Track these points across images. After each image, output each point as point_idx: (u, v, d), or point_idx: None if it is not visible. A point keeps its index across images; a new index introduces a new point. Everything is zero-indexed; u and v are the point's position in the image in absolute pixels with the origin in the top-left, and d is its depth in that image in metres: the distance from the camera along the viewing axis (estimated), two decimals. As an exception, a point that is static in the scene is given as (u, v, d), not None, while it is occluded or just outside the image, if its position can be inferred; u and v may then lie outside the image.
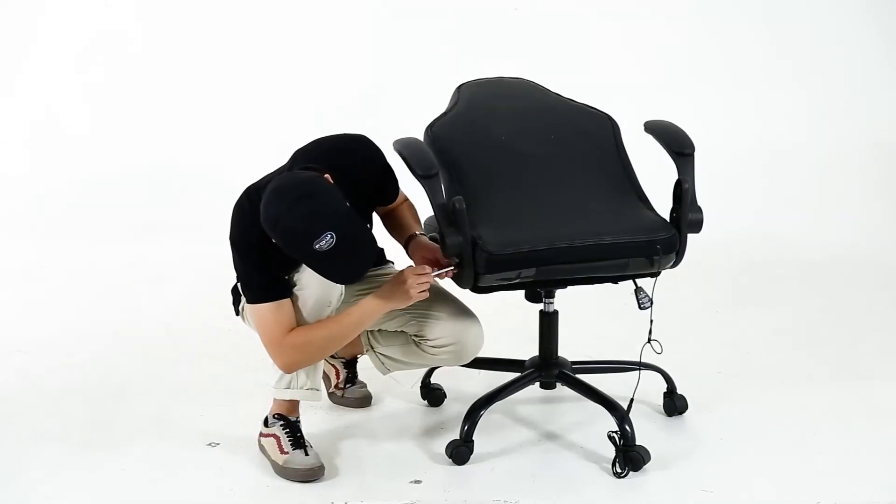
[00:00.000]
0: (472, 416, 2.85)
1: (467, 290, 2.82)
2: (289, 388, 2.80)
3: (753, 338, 3.77)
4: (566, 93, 3.18)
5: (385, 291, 2.72)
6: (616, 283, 2.91)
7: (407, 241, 2.92)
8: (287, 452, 2.78)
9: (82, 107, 5.29)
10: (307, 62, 5.29)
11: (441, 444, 2.90)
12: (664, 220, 2.85)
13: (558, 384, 3.16)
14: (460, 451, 2.84)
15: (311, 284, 2.68)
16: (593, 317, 3.87)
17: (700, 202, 2.85)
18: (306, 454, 2.77)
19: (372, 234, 2.72)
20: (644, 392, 3.01)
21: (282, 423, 2.82)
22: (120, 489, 2.76)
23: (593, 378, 3.05)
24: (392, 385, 3.27)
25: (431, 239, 2.91)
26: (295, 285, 2.71)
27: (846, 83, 5.43)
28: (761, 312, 4.03)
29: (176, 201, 5.06)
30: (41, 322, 4.01)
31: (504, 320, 3.48)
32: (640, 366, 2.97)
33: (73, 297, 4.29)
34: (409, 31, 5.30)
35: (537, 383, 3.13)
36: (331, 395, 3.25)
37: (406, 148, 2.79)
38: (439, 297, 2.87)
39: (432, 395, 3.24)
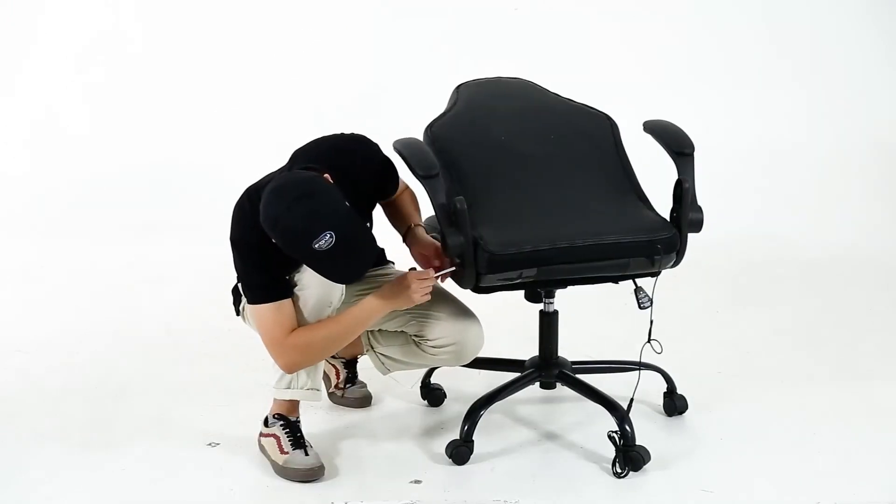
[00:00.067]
0: (472, 416, 2.85)
1: (466, 290, 2.82)
2: (289, 388, 2.80)
3: (753, 338, 3.77)
4: (566, 93, 3.18)
5: (387, 292, 2.72)
6: (616, 282, 2.91)
7: (406, 232, 2.92)
8: (287, 452, 2.78)
9: (82, 107, 5.29)
10: (307, 62, 5.29)
11: (441, 444, 2.90)
12: (664, 219, 2.85)
13: (558, 384, 3.16)
14: (460, 451, 2.84)
15: (311, 284, 2.68)
16: (593, 317, 3.87)
17: (700, 202, 2.85)
18: (306, 454, 2.77)
19: (372, 234, 2.72)
20: (644, 392, 3.01)
21: (282, 423, 2.82)
22: (120, 489, 2.76)
23: (593, 378, 3.05)
24: (392, 385, 3.27)
25: (434, 239, 2.91)
26: (296, 285, 2.71)
27: (846, 83, 5.43)
28: (761, 312, 4.03)
29: (176, 201, 5.06)
30: (41, 322, 4.01)
31: (504, 320, 3.48)
32: (640, 366, 2.97)
33: (73, 297, 4.29)
34: (409, 31, 5.30)
35: (537, 383, 3.13)
36: (331, 395, 3.25)
37: (406, 148, 2.79)
38: (439, 298, 2.87)
39: (432, 395, 3.24)
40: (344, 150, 2.79)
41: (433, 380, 3.25)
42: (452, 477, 2.79)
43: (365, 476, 2.81)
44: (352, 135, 2.85)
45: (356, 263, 2.59)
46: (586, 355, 3.28)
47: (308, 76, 5.27)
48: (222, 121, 5.23)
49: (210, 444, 2.97)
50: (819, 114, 5.38)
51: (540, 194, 2.88)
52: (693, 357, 3.53)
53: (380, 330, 2.99)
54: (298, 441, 2.79)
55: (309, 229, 2.48)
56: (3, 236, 4.83)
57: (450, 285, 2.86)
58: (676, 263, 2.86)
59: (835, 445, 2.94)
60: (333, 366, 3.23)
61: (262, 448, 2.86)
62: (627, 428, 2.77)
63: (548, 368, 3.02)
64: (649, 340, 2.87)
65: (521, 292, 2.97)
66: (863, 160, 5.29)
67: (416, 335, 2.90)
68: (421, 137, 2.93)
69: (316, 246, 2.48)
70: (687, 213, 2.82)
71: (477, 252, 2.69)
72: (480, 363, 3.04)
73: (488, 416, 2.92)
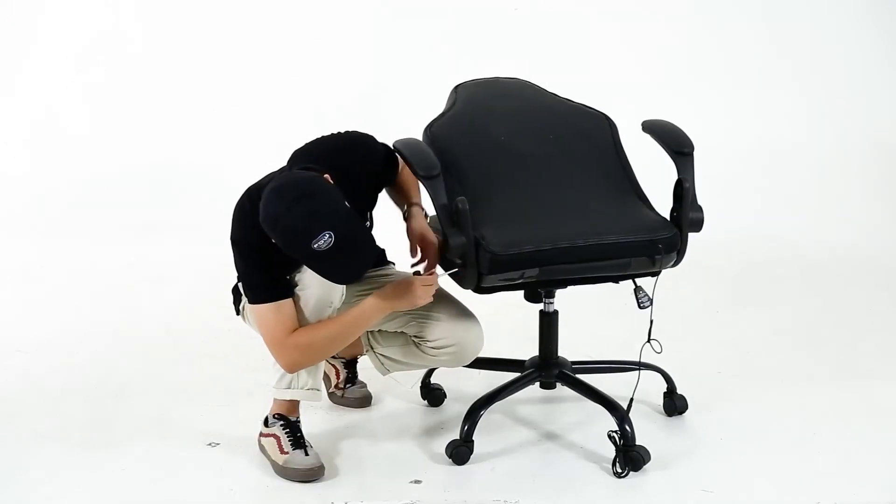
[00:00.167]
0: (472, 416, 2.85)
1: (466, 290, 2.82)
2: (289, 388, 2.80)
3: (753, 338, 3.77)
4: (566, 93, 3.18)
5: (390, 292, 2.72)
6: (617, 282, 2.91)
7: (406, 211, 2.92)
8: (287, 452, 2.78)
9: (82, 107, 5.29)
10: (307, 62, 5.29)
11: (441, 444, 2.90)
12: (665, 219, 2.85)
13: (558, 384, 3.16)
14: (460, 451, 2.84)
15: (312, 285, 2.68)
16: (593, 317, 3.87)
17: (700, 202, 2.85)
18: (306, 454, 2.77)
19: (371, 235, 2.72)
20: (644, 392, 3.01)
21: (282, 423, 2.82)
22: (120, 489, 2.76)
23: (593, 378, 3.05)
24: (392, 385, 3.27)
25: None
26: (296, 285, 2.71)
27: (846, 83, 5.43)
28: (761, 312, 4.03)
29: (176, 201, 5.06)
30: (41, 322, 4.01)
31: (504, 320, 3.48)
32: (640, 366, 2.97)
33: (73, 297, 4.29)
34: (409, 31, 5.30)
35: (537, 383, 3.13)
36: (331, 395, 3.25)
37: (407, 148, 2.79)
38: (439, 299, 2.86)
39: (432, 395, 3.24)
40: (344, 150, 2.79)
41: (433, 380, 3.25)
42: (452, 477, 2.79)
43: (365, 476, 2.81)
44: (351, 133, 2.85)
45: (356, 264, 2.59)
46: (586, 355, 3.28)
47: (308, 76, 5.27)
48: (222, 121, 5.23)
49: (210, 444, 2.97)
50: (819, 114, 5.38)
51: (540, 194, 2.88)
52: (693, 357, 3.53)
53: (380, 330, 2.99)
54: (298, 441, 2.79)
55: (309, 229, 2.48)
56: (3, 236, 4.83)
57: (450, 285, 2.86)
58: (677, 263, 2.86)
59: (835, 445, 2.94)
60: (333, 366, 3.23)
61: (262, 448, 2.86)
62: (627, 428, 2.77)
63: (548, 368, 3.02)
64: (649, 340, 2.87)
65: (521, 292, 2.97)
66: (863, 160, 5.29)
67: (415, 336, 2.90)
68: (420, 138, 2.93)
69: (315, 246, 2.48)
70: (687, 212, 2.82)
71: (479, 252, 2.69)
72: (480, 363, 3.03)
73: (488, 416, 2.92)
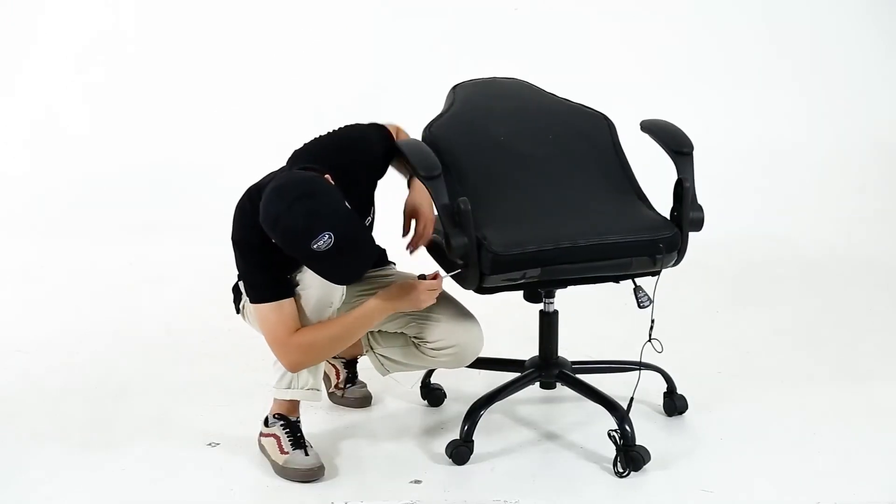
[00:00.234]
0: (472, 416, 2.85)
1: (465, 290, 2.82)
2: (289, 388, 2.80)
3: (753, 338, 3.77)
4: (567, 93, 3.18)
5: (393, 294, 2.72)
6: (617, 282, 2.91)
7: (409, 181, 2.92)
8: (287, 452, 2.78)
9: (82, 107, 5.30)
10: (307, 62, 5.29)
11: (441, 444, 2.90)
12: (665, 218, 2.85)
13: (558, 384, 3.16)
14: (460, 451, 2.84)
15: (312, 284, 2.68)
16: (593, 317, 3.87)
17: (700, 202, 2.85)
18: (306, 454, 2.77)
19: (371, 235, 2.73)
20: (644, 392, 3.01)
21: (282, 422, 2.82)
22: (120, 489, 2.76)
23: (593, 378, 3.05)
24: (392, 385, 3.27)
25: (436, 240, 2.91)
26: (297, 285, 2.71)
27: (846, 83, 5.43)
28: (761, 312, 4.03)
29: (176, 201, 5.06)
30: (41, 322, 4.01)
31: (504, 320, 3.48)
32: (640, 366, 2.97)
33: (73, 297, 4.29)
34: (409, 31, 5.31)
35: (537, 383, 3.13)
36: (331, 395, 3.25)
37: (409, 149, 2.79)
38: (439, 300, 2.86)
39: (432, 395, 3.24)
40: (343, 150, 2.79)
41: (433, 380, 3.25)
42: (452, 477, 2.79)
43: (365, 476, 2.81)
44: (349, 131, 2.84)
45: (355, 264, 2.59)
46: (586, 355, 3.28)
47: (308, 76, 5.27)
48: (222, 121, 5.23)
49: (210, 444, 2.97)
50: (819, 114, 5.38)
51: (540, 194, 2.88)
52: (693, 357, 3.53)
53: (380, 331, 2.99)
54: (298, 441, 2.79)
55: (308, 229, 2.48)
56: (3, 236, 4.83)
57: (451, 286, 2.86)
58: (677, 262, 2.86)
59: (835, 445, 2.94)
60: (334, 366, 3.23)
61: (262, 448, 2.86)
62: (627, 428, 2.77)
63: (548, 368, 3.02)
64: (650, 340, 2.87)
65: (521, 292, 2.97)
66: (863, 160, 5.29)
67: (415, 337, 2.90)
68: (419, 138, 2.93)
69: (315, 246, 2.48)
70: (688, 212, 2.82)
71: (481, 253, 2.69)
72: (480, 363, 3.03)
73: (488, 416, 2.92)
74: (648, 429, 2.98)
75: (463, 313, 2.89)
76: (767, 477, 2.78)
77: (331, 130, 2.85)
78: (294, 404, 2.84)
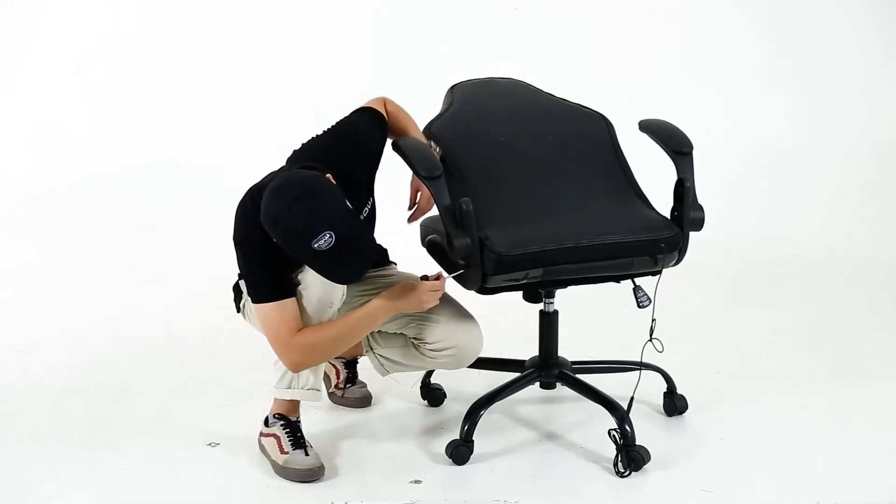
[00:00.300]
0: (472, 416, 2.85)
1: (464, 291, 2.82)
2: (290, 388, 2.80)
3: (753, 338, 3.77)
4: (567, 93, 3.18)
5: (396, 294, 2.72)
6: (618, 281, 2.91)
7: None
8: (287, 452, 2.78)
9: (82, 107, 5.30)
10: (307, 62, 5.29)
11: (441, 444, 2.90)
12: (666, 218, 2.85)
13: (558, 384, 3.16)
14: (460, 451, 2.84)
15: (313, 284, 2.68)
16: (593, 317, 3.87)
17: (700, 202, 2.85)
18: (306, 454, 2.77)
19: (372, 235, 2.73)
20: (644, 392, 3.01)
21: (282, 422, 2.82)
22: (120, 489, 2.76)
23: (593, 378, 3.05)
24: (392, 385, 3.27)
25: (437, 242, 2.91)
26: (298, 284, 2.70)
27: (846, 83, 5.43)
28: (761, 312, 4.03)
29: (176, 201, 5.06)
30: (41, 322, 4.01)
31: (504, 320, 3.48)
32: (641, 366, 2.97)
33: (73, 297, 4.29)
34: (408, 31, 5.31)
35: (537, 383, 3.13)
36: (331, 395, 3.25)
37: (410, 149, 2.79)
38: (439, 300, 2.86)
39: (432, 395, 3.24)
40: (342, 147, 2.79)
41: (433, 380, 3.25)
42: (452, 477, 2.79)
43: (365, 476, 2.81)
44: (346, 127, 2.85)
45: (356, 264, 2.59)
46: (586, 355, 3.28)
47: (308, 76, 5.27)
48: (222, 121, 5.23)
49: (210, 444, 2.97)
50: (819, 114, 5.38)
51: (541, 194, 2.88)
52: (693, 357, 3.53)
53: (379, 332, 2.98)
54: (299, 441, 2.79)
55: (309, 228, 2.48)
56: (3, 236, 4.83)
57: (451, 286, 2.85)
58: (678, 262, 2.86)
59: (835, 445, 2.94)
60: (334, 366, 3.23)
61: (262, 448, 2.86)
62: (627, 428, 2.77)
63: (548, 368, 3.02)
64: (651, 339, 2.87)
65: (521, 292, 2.97)
66: (863, 160, 5.29)
67: (415, 338, 2.90)
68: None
69: (316, 245, 2.48)
70: (688, 211, 2.82)
71: (483, 253, 2.69)
72: (480, 363, 3.03)
73: (488, 416, 2.92)
74: (648, 429, 2.98)
75: (462, 314, 2.89)
76: (767, 477, 2.78)
77: (326, 128, 2.85)
78: (294, 404, 2.84)
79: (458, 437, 2.85)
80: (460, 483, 2.76)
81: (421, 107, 3.15)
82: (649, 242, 2.76)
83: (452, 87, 3.15)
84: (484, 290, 2.78)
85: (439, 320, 2.85)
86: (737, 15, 5.42)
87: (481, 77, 3.22)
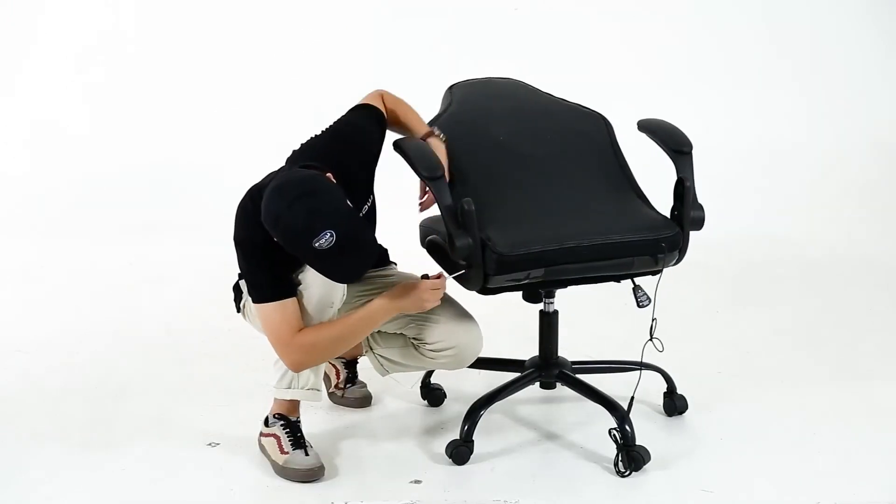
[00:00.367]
0: (472, 416, 2.85)
1: (464, 291, 2.82)
2: (290, 388, 2.80)
3: (753, 338, 3.77)
4: (567, 93, 3.18)
5: (397, 294, 2.72)
6: (618, 281, 2.91)
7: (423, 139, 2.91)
8: (287, 452, 2.78)
9: (82, 107, 5.30)
10: (307, 62, 5.29)
11: (441, 444, 2.90)
12: (666, 217, 2.85)
13: (558, 384, 3.16)
14: (460, 451, 2.84)
15: (313, 283, 2.68)
16: (593, 317, 3.87)
17: (700, 202, 2.85)
18: (306, 454, 2.77)
19: (373, 234, 2.73)
20: (644, 392, 3.01)
21: (282, 422, 2.82)
22: (120, 489, 2.76)
23: (593, 378, 3.05)
24: (392, 385, 3.27)
25: (437, 242, 2.91)
26: (299, 284, 2.70)
27: (846, 83, 5.43)
28: (761, 312, 4.03)
29: (176, 201, 5.06)
30: (41, 322, 4.01)
31: (504, 320, 3.48)
32: (641, 366, 2.97)
33: (73, 297, 4.29)
34: (408, 31, 5.31)
35: (537, 383, 3.13)
36: (331, 395, 3.25)
37: (410, 149, 2.79)
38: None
39: (432, 395, 3.24)
40: (342, 146, 2.79)
41: (433, 380, 3.25)
42: (452, 477, 2.79)
43: (365, 476, 2.81)
44: (345, 126, 2.85)
45: (356, 263, 2.59)
46: (586, 355, 3.28)
47: (308, 76, 5.27)
48: (222, 121, 5.23)
49: (210, 444, 2.97)
50: (819, 114, 5.38)
51: (541, 194, 2.88)
52: (693, 357, 3.53)
53: (379, 332, 2.98)
54: (299, 441, 2.79)
55: (309, 228, 2.48)
56: (3, 236, 4.83)
57: (452, 286, 2.85)
58: (678, 262, 2.86)
59: (835, 445, 2.94)
60: (334, 366, 3.23)
61: (262, 448, 2.86)
62: (627, 428, 2.77)
63: (548, 368, 3.02)
64: (651, 339, 2.87)
65: (521, 292, 2.97)
66: (863, 160, 5.29)
67: (415, 338, 2.90)
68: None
69: (316, 245, 2.48)
70: (689, 211, 2.82)
71: (485, 253, 2.69)
72: (480, 363, 3.03)
73: (488, 416, 2.92)
74: (648, 429, 2.98)
75: (462, 314, 2.89)
76: (767, 477, 2.78)
77: (325, 128, 2.85)
78: (294, 404, 2.84)
79: (458, 437, 2.85)
80: (460, 483, 2.76)
81: (421, 107, 3.14)
82: (650, 242, 2.76)
83: (451, 87, 3.15)
84: (485, 291, 2.78)
85: (439, 320, 2.85)
86: (737, 15, 5.42)
87: (480, 77, 3.22)
